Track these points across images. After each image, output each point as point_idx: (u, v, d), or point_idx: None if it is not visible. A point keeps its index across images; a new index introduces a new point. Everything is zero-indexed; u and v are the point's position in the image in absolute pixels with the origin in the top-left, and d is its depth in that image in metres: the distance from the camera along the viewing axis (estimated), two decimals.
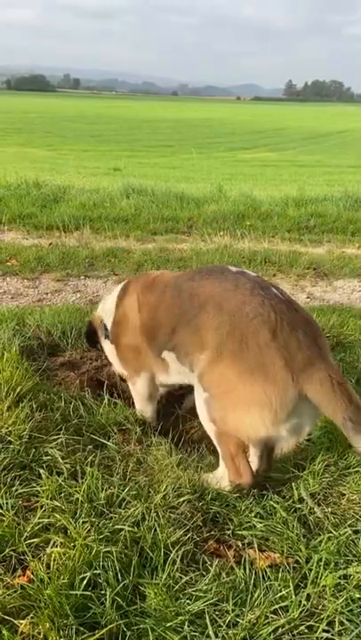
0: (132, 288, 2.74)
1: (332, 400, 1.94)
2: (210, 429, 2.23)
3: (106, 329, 2.85)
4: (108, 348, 2.90)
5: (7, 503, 1.98)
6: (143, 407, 2.79)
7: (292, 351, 1.99)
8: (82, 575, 1.67)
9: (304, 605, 1.66)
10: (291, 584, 1.71)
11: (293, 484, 2.22)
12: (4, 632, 1.51)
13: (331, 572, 1.75)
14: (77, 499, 2.03)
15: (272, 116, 70.95)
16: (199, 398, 2.23)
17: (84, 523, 1.89)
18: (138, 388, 2.78)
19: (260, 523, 2.00)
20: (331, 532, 1.94)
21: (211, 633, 1.54)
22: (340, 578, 1.74)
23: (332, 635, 1.58)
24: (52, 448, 2.31)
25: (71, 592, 1.62)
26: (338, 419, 1.94)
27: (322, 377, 1.96)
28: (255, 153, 30.92)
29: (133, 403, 2.86)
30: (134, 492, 2.10)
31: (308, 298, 4.97)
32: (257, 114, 75.19)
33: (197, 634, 1.55)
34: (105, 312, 2.88)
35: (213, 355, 2.14)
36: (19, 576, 1.73)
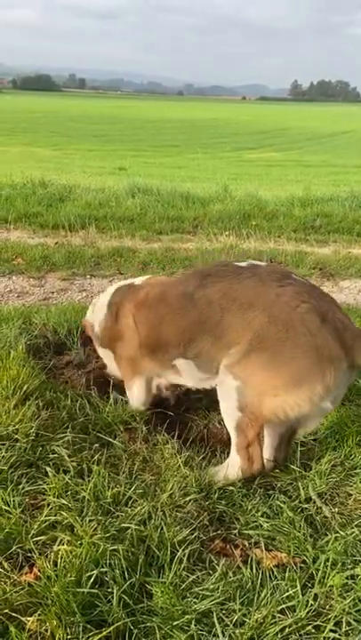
0: (124, 303, 2.73)
1: None
2: (233, 417, 2.21)
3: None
4: (102, 352, 2.96)
5: (14, 501, 1.98)
6: (137, 407, 2.80)
7: (340, 330, 2.12)
8: (89, 573, 1.68)
9: (311, 605, 1.65)
10: (298, 584, 1.71)
11: (300, 484, 2.22)
12: (12, 629, 1.51)
13: (338, 572, 1.75)
14: (84, 497, 2.03)
15: (277, 115, 70.85)
16: (228, 387, 2.21)
17: (90, 521, 1.90)
18: (134, 392, 2.79)
19: (267, 522, 2.00)
20: (338, 533, 1.94)
21: (218, 632, 1.54)
22: (347, 578, 1.74)
23: (340, 635, 1.58)
24: (58, 446, 2.31)
25: (78, 590, 1.62)
26: None
27: None
28: (261, 153, 30.89)
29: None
30: (141, 491, 2.10)
31: None
32: (262, 114, 75.09)
33: (204, 633, 1.55)
34: (96, 320, 2.92)
35: (249, 346, 2.16)
36: (26, 573, 1.74)
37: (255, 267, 2.33)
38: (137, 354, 2.67)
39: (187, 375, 2.54)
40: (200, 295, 2.34)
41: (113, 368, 2.91)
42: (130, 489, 2.10)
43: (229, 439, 2.32)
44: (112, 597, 1.62)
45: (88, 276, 5.21)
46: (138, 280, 2.86)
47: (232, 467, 2.26)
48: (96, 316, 2.92)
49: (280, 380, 2.10)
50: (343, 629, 1.59)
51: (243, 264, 2.36)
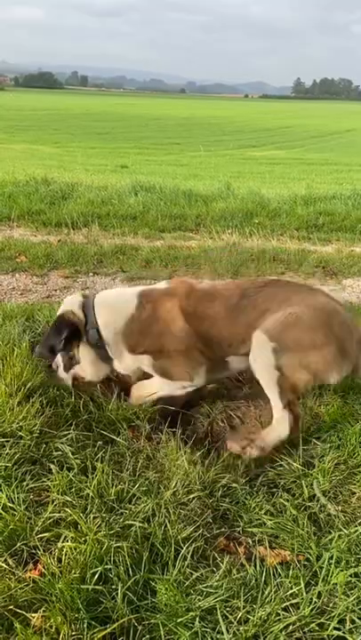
0: (164, 300, 2.73)
1: None
2: (271, 377, 2.45)
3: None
4: (131, 359, 2.79)
5: (18, 497, 1.99)
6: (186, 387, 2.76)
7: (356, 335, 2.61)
8: (93, 570, 1.68)
9: (315, 603, 1.66)
10: (301, 581, 1.71)
11: (303, 482, 2.22)
12: (17, 625, 1.52)
13: (342, 570, 1.75)
14: (88, 494, 2.03)
15: (280, 113, 70.72)
16: (264, 348, 2.45)
17: (94, 518, 1.90)
18: (193, 380, 2.74)
19: (271, 520, 2.01)
20: (341, 530, 1.94)
21: (222, 629, 1.54)
22: (351, 576, 1.74)
23: (343, 632, 1.58)
24: (62, 443, 2.32)
25: (82, 586, 1.63)
26: None
27: None
28: (263, 151, 30.87)
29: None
30: (144, 488, 2.11)
31: None
32: (265, 112, 74.99)
33: (208, 630, 1.55)
34: (111, 322, 2.75)
35: (289, 319, 2.48)
36: (30, 570, 1.74)
37: (287, 281, 2.86)
38: (192, 345, 2.67)
39: (236, 369, 2.79)
40: (245, 304, 2.63)
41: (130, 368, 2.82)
42: (134, 486, 2.10)
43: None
44: (116, 594, 1.62)
45: (91, 274, 5.21)
46: (162, 284, 2.89)
47: (281, 424, 2.44)
48: (110, 317, 2.74)
49: (318, 350, 2.45)
50: (347, 627, 1.59)
51: (274, 277, 2.83)
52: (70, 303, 2.83)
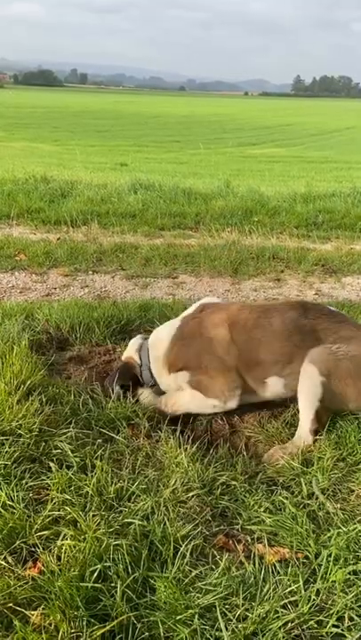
0: (211, 317, 2.78)
1: None
2: (312, 406, 2.52)
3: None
4: (171, 379, 2.85)
5: (18, 496, 1.99)
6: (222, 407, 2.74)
7: None
8: (92, 567, 1.68)
9: (314, 600, 1.66)
10: (300, 579, 1.71)
11: (303, 479, 2.22)
12: (16, 622, 1.52)
13: (340, 568, 1.75)
14: (87, 492, 2.04)
15: (280, 111, 70.62)
16: (314, 381, 2.52)
17: (94, 516, 1.90)
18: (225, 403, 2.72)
19: (270, 518, 2.01)
20: (340, 528, 1.94)
21: (221, 626, 1.54)
22: (349, 573, 1.74)
23: (342, 630, 1.58)
24: (61, 441, 2.32)
25: (82, 584, 1.63)
26: None
27: None
28: (263, 149, 30.84)
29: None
30: (143, 486, 2.11)
31: (316, 294, 4.95)
32: (265, 109, 74.88)
33: (207, 627, 1.56)
34: (157, 345, 2.87)
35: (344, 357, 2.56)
36: (29, 568, 1.74)
37: (339, 313, 2.88)
38: (232, 364, 2.67)
39: (270, 392, 2.72)
40: (304, 323, 2.65)
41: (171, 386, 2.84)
42: (133, 484, 2.11)
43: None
44: (115, 592, 1.63)
45: (90, 272, 5.20)
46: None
47: (306, 439, 2.51)
48: (156, 350, 2.85)
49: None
50: (346, 624, 1.60)
51: (332, 308, 2.87)
52: (131, 347, 2.98)
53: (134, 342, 3.00)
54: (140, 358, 2.90)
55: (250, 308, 2.80)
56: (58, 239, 6.04)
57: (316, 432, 2.51)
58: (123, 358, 3.02)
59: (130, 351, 2.98)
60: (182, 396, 2.75)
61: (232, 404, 2.68)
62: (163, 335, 2.87)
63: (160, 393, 2.86)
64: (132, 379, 2.89)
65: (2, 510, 1.92)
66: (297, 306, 2.76)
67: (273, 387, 2.69)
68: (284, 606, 1.63)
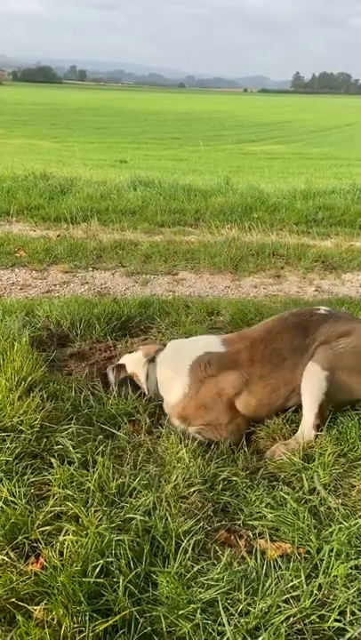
0: (228, 370, 2.65)
1: None
2: (317, 400, 2.52)
3: None
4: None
5: (20, 491, 1.99)
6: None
7: None
8: (94, 563, 1.68)
9: (315, 595, 1.66)
10: (302, 574, 1.72)
11: (304, 475, 2.23)
12: (19, 617, 1.52)
13: (342, 563, 1.75)
14: (89, 488, 2.04)
15: (280, 108, 70.51)
16: (317, 376, 2.54)
17: (95, 511, 1.91)
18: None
19: (271, 513, 2.01)
20: (341, 523, 1.94)
21: (224, 621, 1.55)
22: (351, 568, 1.75)
23: (344, 624, 1.59)
24: (62, 437, 2.32)
25: (84, 579, 1.63)
26: None
27: None
28: (263, 145, 30.80)
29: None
30: (145, 482, 2.11)
31: (316, 291, 4.95)
32: (264, 106, 74.73)
33: (210, 622, 1.56)
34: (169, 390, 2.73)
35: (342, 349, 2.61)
36: (32, 563, 1.75)
37: (334, 313, 2.86)
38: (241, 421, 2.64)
39: (294, 403, 2.70)
40: (307, 343, 2.66)
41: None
42: (134, 480, 2.11)
43: None
44: (118, 587, 1.63)
45: (90, 269, 5.20)
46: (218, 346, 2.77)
47: (308, 434, 2.50)
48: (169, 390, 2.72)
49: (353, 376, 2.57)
50: (347, 619, 1.60)
51: (322, 311, 2.82)
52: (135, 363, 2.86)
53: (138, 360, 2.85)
54: (147, 387, 2.79)
55: (258, 351, 2.66)
56: (58, 236, 6.03)
57: (318, 427, 2.51)
58: (128, 371, 2.84)
59: (132, 366, 2.84)
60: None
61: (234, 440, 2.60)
62: (173, 389, 2.68)
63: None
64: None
65: (4, 506, 1.92)
66: (294, 329, 2.69)
67: (293, 402, 2.69)
68: (286, 601, 1.64)
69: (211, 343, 2.78)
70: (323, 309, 2.86)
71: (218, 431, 2.57)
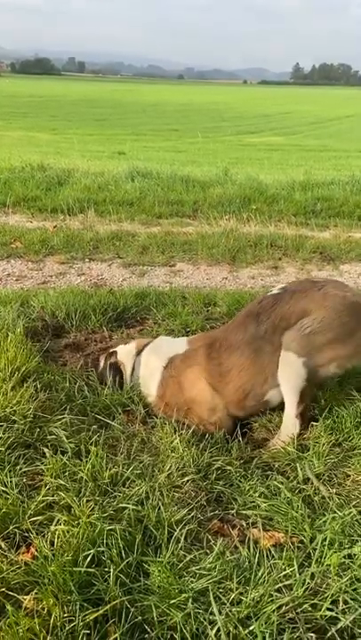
0: (191, 366, 2.65)
1: None
2: (297, 386, 2.43)
3: None
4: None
5: (12, 481, 1.98)
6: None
7: None
8: (86, 552, 1.67)
9: (308, 584, 1.65)
10: (295, 563, 1.70)
11: (298, 464, 2.21)
12: (9, 607, 1.51)
13: (335, 552, 1.74)
14: (81, 477, 2.03)
15: (279, 99, 70.12)
16: (294, 366, 2.41)
17: (88, 501, 1.89)
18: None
19: (265, 502, 2.00)
20: (335, 513, 1.93)
21: (215, 610, 1.54)
22: (344, 557, 1.73)
23: (336, 613, 1.58)
24: (56, 427, 2.31)
25: (75, 569, 1.62)
26: None
27: None
28: (262, 137, 30.63)
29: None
30: (138, 472, 2.10)
31: None
32: (264, 97, 74.33)
33: (201, 611, 1.55)
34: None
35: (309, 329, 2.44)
36: (23, 553, 1.74)
37: (287, 289, 2.58)
38: (222, 416, 2.61)
39: (277, 400, 2.59)
40: (264, 329, 2.49)
41: None
42: (128, 469, 2.10)
43: None
44: (109, 576, 1.62)
45: (87, 260, 5.17)
46: (179, 345, 2.78)
47: (293, 426, 2.45)
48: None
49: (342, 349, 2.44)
50: (340, 608, 1.59)
51: (275, 291, 2.59)
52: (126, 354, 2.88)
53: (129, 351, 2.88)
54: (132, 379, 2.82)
55: (215, 349, 2.62)
56: (54, 227, 5.99)
57: (302, 415, 2.45)
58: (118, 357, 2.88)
59: (123, 356, 2.87)
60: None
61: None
62: (149, 381, 2.74)
63: None
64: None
65: None
66: (247, 318, 2.59)
67: (276, 397, 2.57)
68: (278, 590, 1.62)
69: (177, 344, 2.80)
70: (275, 289, 2.63)
71: (206, 428, 2.56)
